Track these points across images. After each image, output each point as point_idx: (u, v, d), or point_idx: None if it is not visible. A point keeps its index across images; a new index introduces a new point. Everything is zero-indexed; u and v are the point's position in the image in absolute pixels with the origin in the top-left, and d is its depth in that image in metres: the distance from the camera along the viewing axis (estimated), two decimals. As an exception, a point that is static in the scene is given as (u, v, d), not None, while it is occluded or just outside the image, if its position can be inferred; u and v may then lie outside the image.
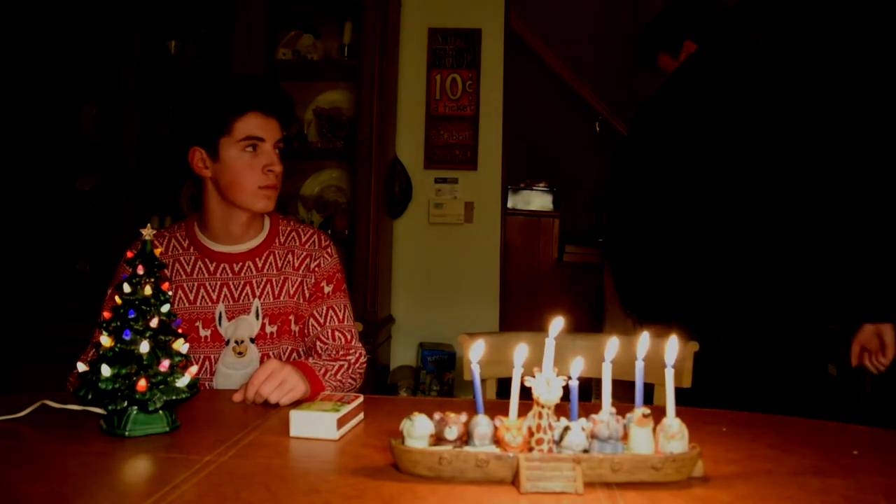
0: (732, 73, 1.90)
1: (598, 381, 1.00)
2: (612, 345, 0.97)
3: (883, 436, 1.18)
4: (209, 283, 1.57)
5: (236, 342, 1.54)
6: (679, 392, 1.11)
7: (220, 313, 1.55)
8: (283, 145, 1.59)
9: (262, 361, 1.53)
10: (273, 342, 1.56)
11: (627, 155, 2.05)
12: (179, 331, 1.18)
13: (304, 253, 1.62)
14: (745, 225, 1.80)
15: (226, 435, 1.10)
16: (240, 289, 1.57)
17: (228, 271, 1.58)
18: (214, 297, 1.56)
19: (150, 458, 1.02)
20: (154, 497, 0.85)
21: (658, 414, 0.94)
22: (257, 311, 1.56)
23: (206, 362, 1.53)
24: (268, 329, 1.56)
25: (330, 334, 1.59)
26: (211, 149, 1.53)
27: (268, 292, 1.58)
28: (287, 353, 1.58)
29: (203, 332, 1.54)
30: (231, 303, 1.56)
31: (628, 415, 0.94)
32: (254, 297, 1.57)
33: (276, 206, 1.59)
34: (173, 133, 3.01)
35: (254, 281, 1.58)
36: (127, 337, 1.11)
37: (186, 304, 1.55)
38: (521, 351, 0.95)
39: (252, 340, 1.55)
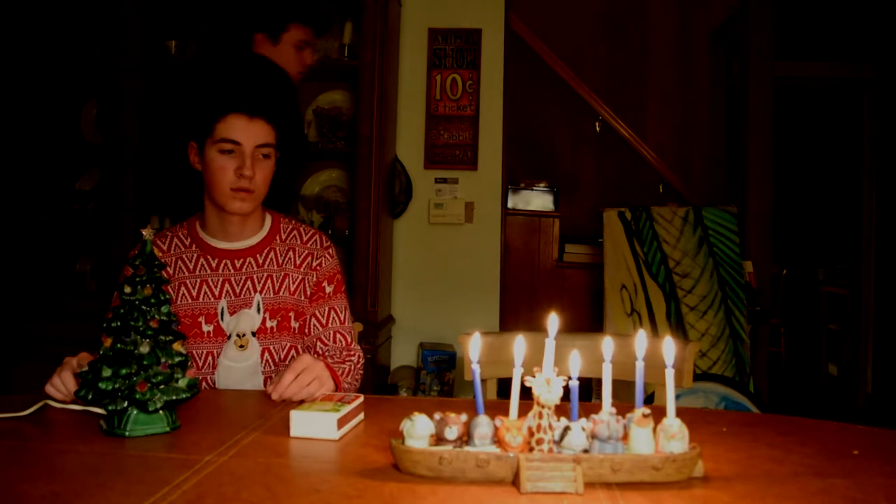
0: None
1: (599, 381, 1.00)
2: (609, 345, 0.97)
3: (883, 436, 1.18)
4: (211, 280, 1.57)
5: (238, 335, 1.55)
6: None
7: (223, 308, 1.56)
8: (274, 149, 1.55)
9: (262, 356, 1.54)
10: (273, 336, 1.57)
11: None
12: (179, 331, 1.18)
13: (306, 251, 1.63)
14: None
15: (226, 435, 1.10)
16: (241, 284, 1.58)
17: (230, 267, 1.59)
18: (217, 293, 1.57)
19: (150, 458, 1.02)
20: (154, 497, 0.85)
21: (658, 414, 0.94)
22: (258, 305, 1.57)
23: (209, 357, 1.54)
24: (268, 323, 1.57)
25: (332, 335, 1.61)
26: (200, 146, 1.56)
27: (268, 287, 1.59)
28: (286, 350, 1.58)
29: (206, 328, 1.55)
30: (233, 298, 1.57)
31: (628, 415, 0.94)
32: (255, 291, 1.58)
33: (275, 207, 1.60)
34: (167, 130, 3.01)
35: (255, 276, 1.59)
36: (127, 337, 1.11)
37: (189, 301, 1.56)
38: (519, 343, 0.96)
39: (253, 334, 1.56)
